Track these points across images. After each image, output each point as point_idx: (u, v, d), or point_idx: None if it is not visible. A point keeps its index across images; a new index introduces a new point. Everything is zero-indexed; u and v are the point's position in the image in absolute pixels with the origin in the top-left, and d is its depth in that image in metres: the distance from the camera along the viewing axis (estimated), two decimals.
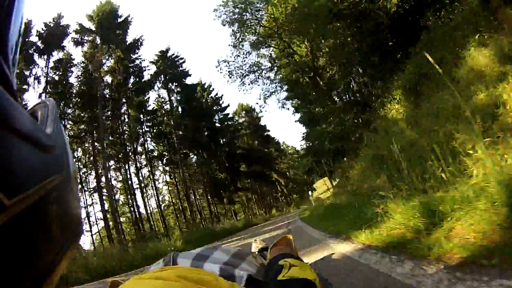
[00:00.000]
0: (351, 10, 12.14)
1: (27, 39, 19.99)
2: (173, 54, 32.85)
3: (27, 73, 20.54)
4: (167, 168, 31.23)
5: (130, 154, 27.01)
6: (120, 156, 25.92)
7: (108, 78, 25.68)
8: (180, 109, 32.30)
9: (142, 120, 29.36)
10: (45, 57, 21.84)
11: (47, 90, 21.43)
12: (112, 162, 25.57)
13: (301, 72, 20.56)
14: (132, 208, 28.36)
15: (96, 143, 23.40)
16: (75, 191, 0.37)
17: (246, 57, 21.78)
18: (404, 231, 2.59)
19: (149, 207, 32.05)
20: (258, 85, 24.42)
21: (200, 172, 34.04)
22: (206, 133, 34.72)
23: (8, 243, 0.22)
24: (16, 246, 0.23)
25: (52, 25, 22.35)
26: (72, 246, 0.34)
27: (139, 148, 29.06)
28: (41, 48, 21.58)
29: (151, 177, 29.45)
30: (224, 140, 38.74)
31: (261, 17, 20.67)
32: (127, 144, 26.90)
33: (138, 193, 27.75)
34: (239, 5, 20.17)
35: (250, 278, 0.71)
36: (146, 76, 28.87)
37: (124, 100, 26.50)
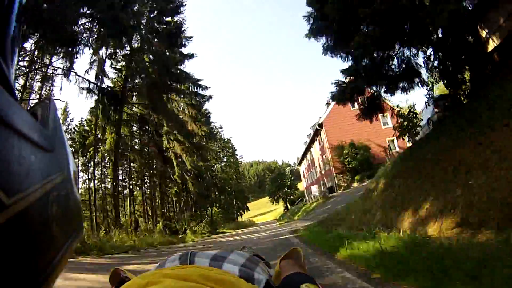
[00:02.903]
0: None
1: None
2: None
3: None
4: None
5: None
6: None
7: None
8: None
9: None
10: None
11: None
12: None
13: None
14: None
15: None
16: (75, 191, 0.37)
17: None
18: None
19: None
20: None
21: None
22: None
23: (8, 242, 0.22)
24: (16, 245, 0.23)
25: None
26: (71, 246, 0.33)
27: None
28: None
29: None
30: None
31: None
32: None
33: None
34: None
35: (268, 283, 0.69)
36: None
37: None
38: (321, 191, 26.68)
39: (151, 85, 18.21)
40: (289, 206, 58.98)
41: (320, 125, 32.01)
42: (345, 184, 28.24)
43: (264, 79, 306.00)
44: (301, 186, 64.63)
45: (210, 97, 24.23)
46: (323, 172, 35.30)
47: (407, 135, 10.66)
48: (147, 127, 24.14)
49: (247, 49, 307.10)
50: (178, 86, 22.88)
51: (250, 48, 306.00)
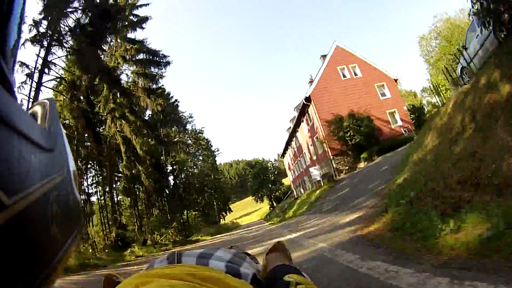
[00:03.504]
0: None
1: None
2: None
3: None
4: None
5: None
6: None
7: None
8: None
9: None
10: None
11: None
12: None
13: None
14: None
15: None
16: (75, 191, 0.37)
17: None
18: None
19: None
20: None
21: None
22: None
23: (8, 242, 0.22)
24: (16, 245, 0.22)
25: None
26: (71, 246, 0.33)
27: None
28: None
29: None
30: None
31: None
32: None
33: None
34: None
35: (255, 277, 0.70)
36: None
37: None
38: (322, 174, 20.83)
39: (80, 29, 12.19)
40: (274, 204, 53.61)
41: (308, 99, 26.49)
42: (346, 167, 22.86)
43: (239, 78, 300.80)
44: (287, 180, 59.46)
45: (168, 63, 18.48)
46: (314, 158, 29.84)
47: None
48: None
49: (222, 50, 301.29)
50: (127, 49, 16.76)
51: (226, 50, 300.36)
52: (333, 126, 22.91)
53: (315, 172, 19.99)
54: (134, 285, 0.50)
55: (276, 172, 60.23)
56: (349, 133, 21.87)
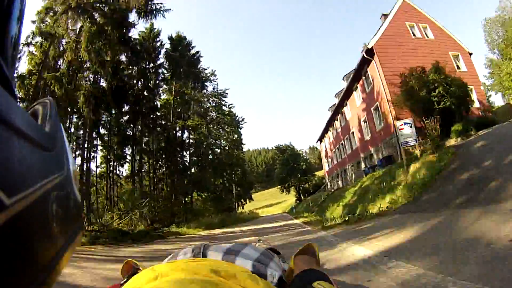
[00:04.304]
0: None
1: None
2: None
3: None
4: None
5: None
6: None
7: None
8: None
9: None
10: None
11: None
12: None
13: None
14: None
15: None
16: (75, 190, 0.37)
17: None
18: None
19: None
20: None
21: None
22: None
23: (8, 242, 0.22)
24: (16, 245, 0.23)
25: None
26: (71, 245, 0.34)
27: None
28: None
29: None
30: None
31: None
32: None
33: None
34: None
35: (281, 279, 0.69)
36: None
37: None
38: (415, 134, 12.15)
39: None
40: (302, 197, 46.28)
41: (369, 52, 18.89)
42: (420, 149, 14.81)
43: (279, 61, 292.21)
44: (319, 173, 51.95)
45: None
46: (367, 137, 22.15)
47: None
48: None
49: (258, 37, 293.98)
50: None
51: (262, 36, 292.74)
52: (412, 81, 14.79)
53: (407, 131, 11.61)
54: (154, 275, 0.50)
55: (308, 161, 52.70)
56: (437, 91, 13.97)
